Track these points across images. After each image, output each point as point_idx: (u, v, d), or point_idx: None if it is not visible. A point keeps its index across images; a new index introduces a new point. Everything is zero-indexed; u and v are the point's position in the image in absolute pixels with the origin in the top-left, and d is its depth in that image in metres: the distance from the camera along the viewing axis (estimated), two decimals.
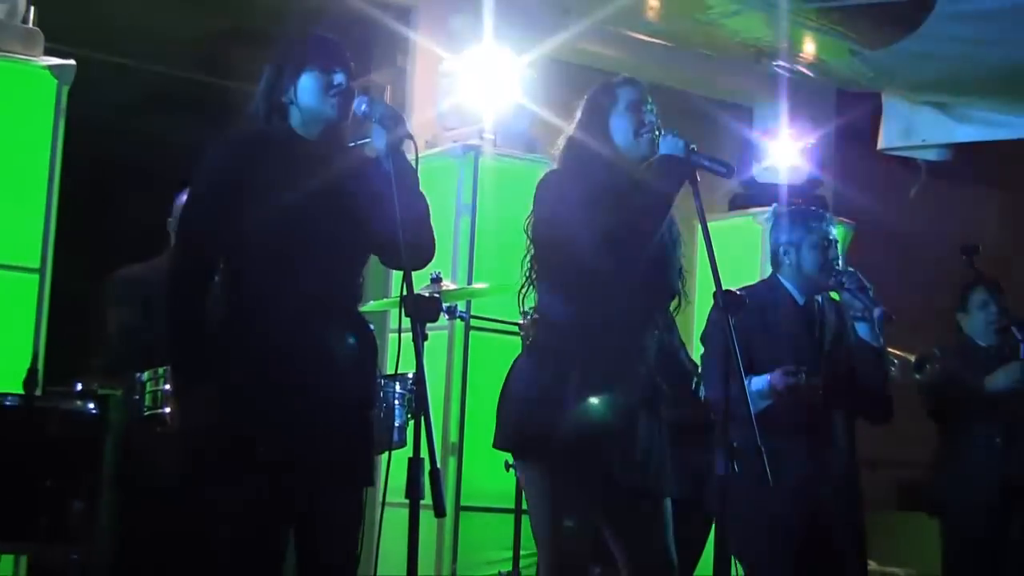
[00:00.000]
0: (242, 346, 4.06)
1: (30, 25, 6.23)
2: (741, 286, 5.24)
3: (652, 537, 4.52)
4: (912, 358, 6.33)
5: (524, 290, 4.59)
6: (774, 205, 8.06)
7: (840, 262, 5.58)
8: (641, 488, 4.47)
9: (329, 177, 4.11)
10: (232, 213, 4.06)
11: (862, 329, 5.47)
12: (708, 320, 4.90)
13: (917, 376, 6.37)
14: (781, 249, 5.50)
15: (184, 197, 5.39)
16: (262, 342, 4.05)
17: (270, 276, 4.07)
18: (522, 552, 6.14)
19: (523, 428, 4.47)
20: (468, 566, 7.02)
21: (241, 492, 4.04)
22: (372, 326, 4.36)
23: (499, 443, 4.59)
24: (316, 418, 4.06)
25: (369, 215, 4.02)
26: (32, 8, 6.26)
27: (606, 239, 4.30)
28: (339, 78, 4.15)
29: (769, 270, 6.58)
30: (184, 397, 4.18)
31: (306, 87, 4.14)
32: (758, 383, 5.16)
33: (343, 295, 4.22)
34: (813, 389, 5.23)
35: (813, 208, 5.77)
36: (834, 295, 5.63)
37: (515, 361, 4.88)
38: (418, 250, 4.14)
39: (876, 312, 5.38)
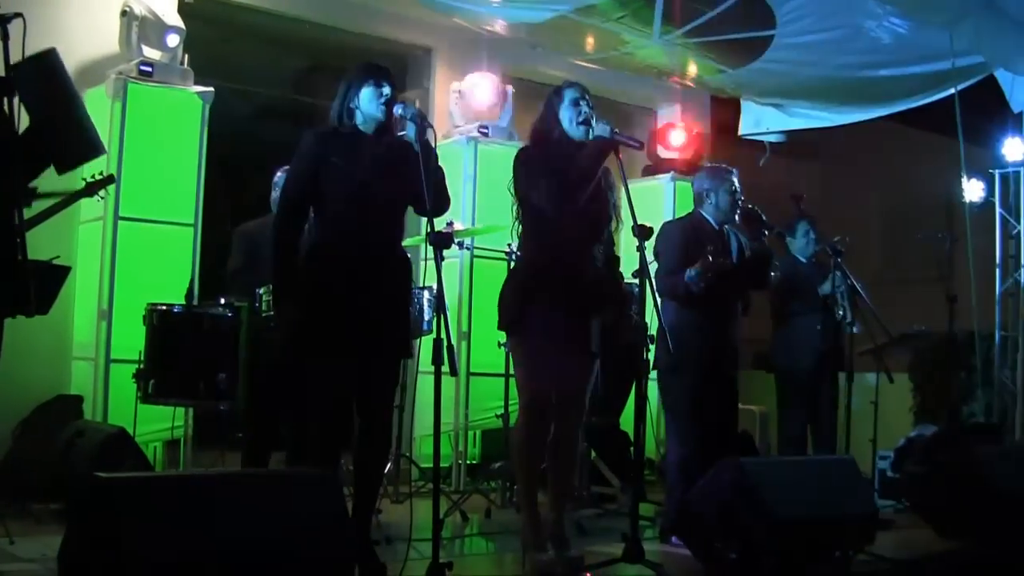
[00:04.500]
0: (326, 265, 4.07)
1: (184, 66, 6.29)
2: (670, 219, 5.33)
3: (587, 384, 4.52)
4: None
5: (513, 228, 4.54)
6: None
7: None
8: (593, 351, 4.47)
9: (381, 156, 4.12)
10: (318, 180, 4.08)
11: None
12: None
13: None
14: (704, 192, 5.33)
15: (279, 174, 5.40)
16: (338, 263, 4.07)
17: (343, 220, 4.08)
18: (509, 401, 6.18)
19: (510, 314, 4.45)
20: (475, 411, 7.10)
21: (327, 360, 4.06)
22: (408, 254, 4.35)
23: (499, 325, 4.55)
24: (376, 312, 4.07)
25: (407, 180, 4.01)
26: (186, 55, 6.32)
27: (557, 191, 4.31)
28: (386, 90, 4.15)
29: (667, 216, 6.61)
30: (282, 300, 4.14)
31: (365, 96, 4.14)
32: (691, 271, 5.00)
33: (391, 232, 4.22)
34: (725, 263, 5.14)
35: (726, 166, 5.50)
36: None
37: (508, 272, 4.89)
38: (440, 203, 4.13)
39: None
